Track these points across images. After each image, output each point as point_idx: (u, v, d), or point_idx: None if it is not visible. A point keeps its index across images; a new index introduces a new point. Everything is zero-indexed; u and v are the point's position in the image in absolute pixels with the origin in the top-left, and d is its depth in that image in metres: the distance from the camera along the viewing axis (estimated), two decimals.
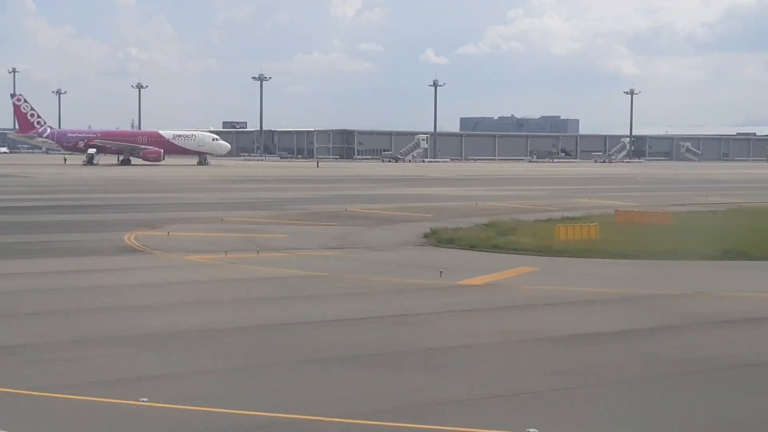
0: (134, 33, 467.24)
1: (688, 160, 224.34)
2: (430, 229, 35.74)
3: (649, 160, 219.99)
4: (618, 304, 20.12)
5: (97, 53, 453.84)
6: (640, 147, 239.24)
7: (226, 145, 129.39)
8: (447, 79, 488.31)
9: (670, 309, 19.24)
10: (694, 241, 31.89)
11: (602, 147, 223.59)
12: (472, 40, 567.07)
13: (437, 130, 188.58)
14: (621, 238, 33.85)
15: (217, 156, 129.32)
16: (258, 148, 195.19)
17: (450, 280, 22.86)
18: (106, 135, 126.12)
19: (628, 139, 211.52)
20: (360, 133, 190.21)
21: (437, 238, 33.67)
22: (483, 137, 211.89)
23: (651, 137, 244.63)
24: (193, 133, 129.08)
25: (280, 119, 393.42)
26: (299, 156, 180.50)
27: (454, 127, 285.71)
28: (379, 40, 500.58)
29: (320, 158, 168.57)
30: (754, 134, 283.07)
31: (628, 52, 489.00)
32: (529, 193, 68.22)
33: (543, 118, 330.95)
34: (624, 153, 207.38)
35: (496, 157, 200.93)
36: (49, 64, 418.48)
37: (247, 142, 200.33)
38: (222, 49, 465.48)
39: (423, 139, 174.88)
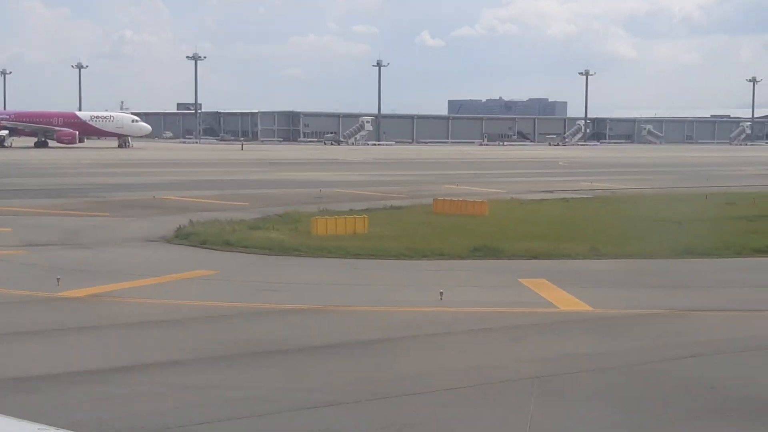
0: (128, 15, 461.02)
1: (650, 142, 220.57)
2: (190, 221, 31.54)
3: (609, 142, 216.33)
4: (198, 324, 15.88)
5: (89, 35, 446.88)
6: (600, 129, 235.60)
7: (147, 127, 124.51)
8: (442, 61, 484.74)
9: (245, 333, 15.06)
10: (462, 237, 27.80)
11: (561, 130, 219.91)
12: (468, 23, 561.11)
13: (387, 112, 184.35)
14: (391, 232, 29.81)
15: (139, 137, 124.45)
16: (203, 130, 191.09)
17: (58, 291, 18.58)
18: (19, 116, 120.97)
19: (583, 121, 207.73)
20: (306, 114, 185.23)
21: (178, 233, 29.54)
22: (437, 120, 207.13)
23: (611, 119, 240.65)
24: (111, 114, 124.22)
25: (274, 102, 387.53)
26: (242, 138, 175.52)
27: (443, 110, 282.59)
28: (374, 22, 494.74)
29: (262, 140, 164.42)
30: (729, 116, 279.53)
31: (625, 35, 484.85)
32: (412, 178, 64.10)
33: (531, 100, 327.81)
34: (579, 136, 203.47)
35: (450, 140, 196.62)
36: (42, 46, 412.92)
37: (193, 124, 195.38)
38: (216, 32, 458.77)
39: (368, 121, 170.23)
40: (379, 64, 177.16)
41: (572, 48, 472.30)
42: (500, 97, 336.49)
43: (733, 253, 26.31)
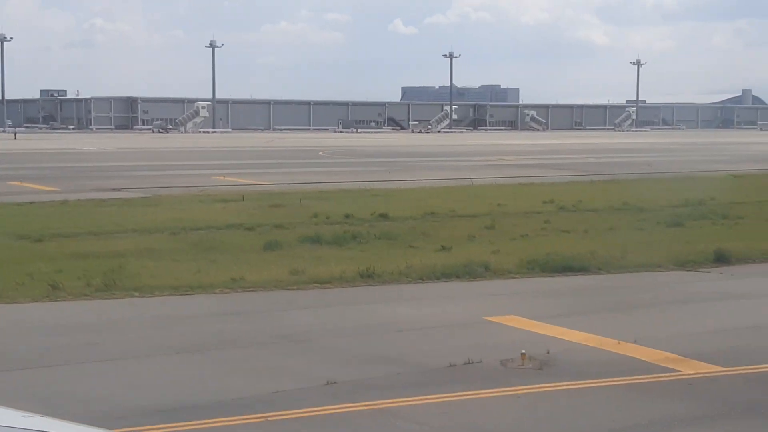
0: (101, 3, 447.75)
1: (533, 129, 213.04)
2: None
3: (488, 129, 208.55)
4: None
5: (60, 23, 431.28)
6: (481, 116, 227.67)
7: None
8: (414, 48, 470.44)
9: None
10: None
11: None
12: (441, 10, 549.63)
13: (230, 97, 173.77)
14: None
15: None
16: (43, 117, 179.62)
17: None
18: None
19: (449, 107, 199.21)
20: (144, 100, 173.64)
21: None
22: (298, 105, 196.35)
23: (492, 106, 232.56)
24: None
25: (246, 90, 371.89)
26: (71, 127, 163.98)
27: (396, 97, 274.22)
28: (347, 9, 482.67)
29: (95, 128, 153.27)
30: (644, 102, 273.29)
31: (598, 22, 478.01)
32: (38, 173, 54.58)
33: (483, 87, 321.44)
34: (445, 123, 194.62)
35: (311, 127, 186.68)
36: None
37: (33, 112, 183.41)
38: (188, 19, 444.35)
39: (203, 107, 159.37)
40: (212, 45, 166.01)
41: (544, 34, 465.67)
42: (453, 84, 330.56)
43: None
